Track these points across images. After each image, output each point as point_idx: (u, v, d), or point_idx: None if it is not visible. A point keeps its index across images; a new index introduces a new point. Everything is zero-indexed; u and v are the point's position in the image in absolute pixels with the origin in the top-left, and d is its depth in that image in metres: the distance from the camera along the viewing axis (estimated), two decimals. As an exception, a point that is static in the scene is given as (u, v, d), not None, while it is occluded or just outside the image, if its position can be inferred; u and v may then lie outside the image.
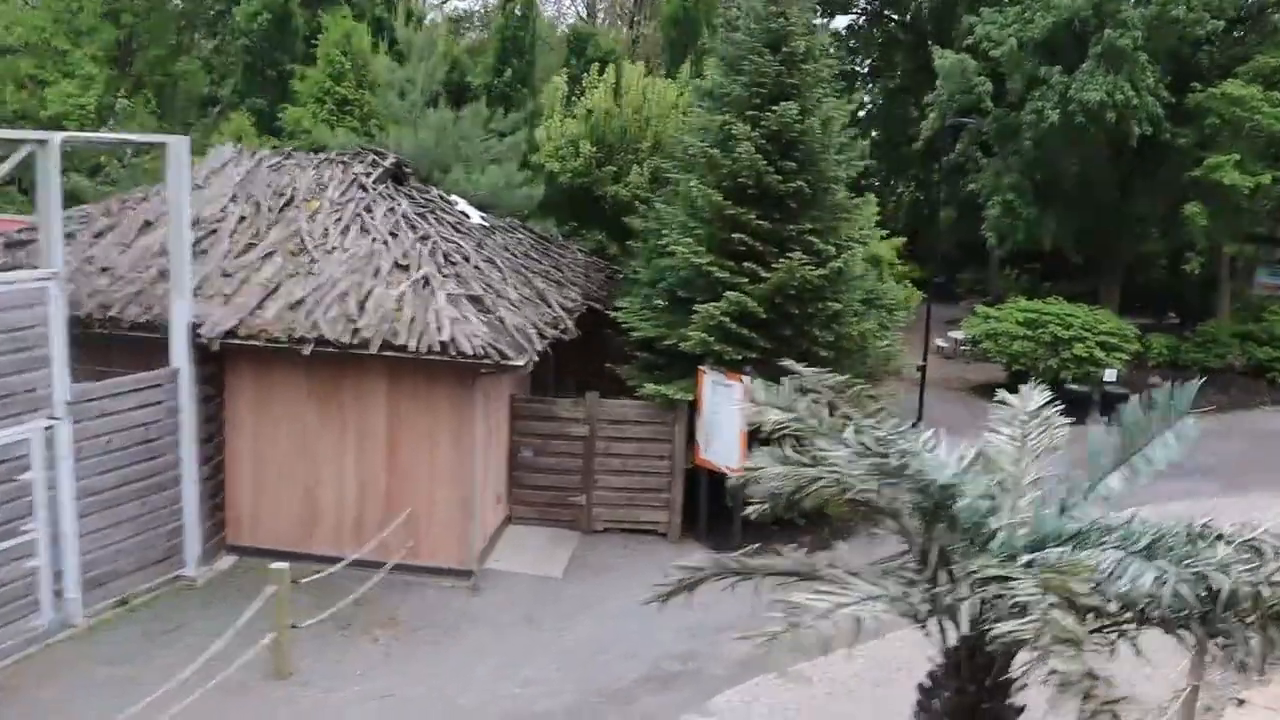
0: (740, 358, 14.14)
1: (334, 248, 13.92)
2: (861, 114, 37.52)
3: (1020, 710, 6.82)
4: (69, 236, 13.91)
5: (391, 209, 14.68)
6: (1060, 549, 6.25)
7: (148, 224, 14.41)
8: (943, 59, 26.86)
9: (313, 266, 13.58)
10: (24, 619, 11.00)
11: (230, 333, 12.71)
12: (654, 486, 15.24)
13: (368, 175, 15.37)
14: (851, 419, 6.93)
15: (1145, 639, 6.34)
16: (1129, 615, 6.16)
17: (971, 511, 6.46)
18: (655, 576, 6.87)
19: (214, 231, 14.25)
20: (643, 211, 17.57)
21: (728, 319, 14.24)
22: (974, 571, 5.86)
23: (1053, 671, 5.05)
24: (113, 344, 12.91)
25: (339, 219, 14.44)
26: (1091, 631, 6.23)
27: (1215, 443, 20.21)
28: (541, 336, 13.69)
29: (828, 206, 15.41)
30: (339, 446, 13.32)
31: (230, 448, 13.51)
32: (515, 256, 16.44)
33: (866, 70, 41.89)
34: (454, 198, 17.39)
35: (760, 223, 14.59)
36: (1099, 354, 23.42)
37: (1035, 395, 7.95)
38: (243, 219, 14.53)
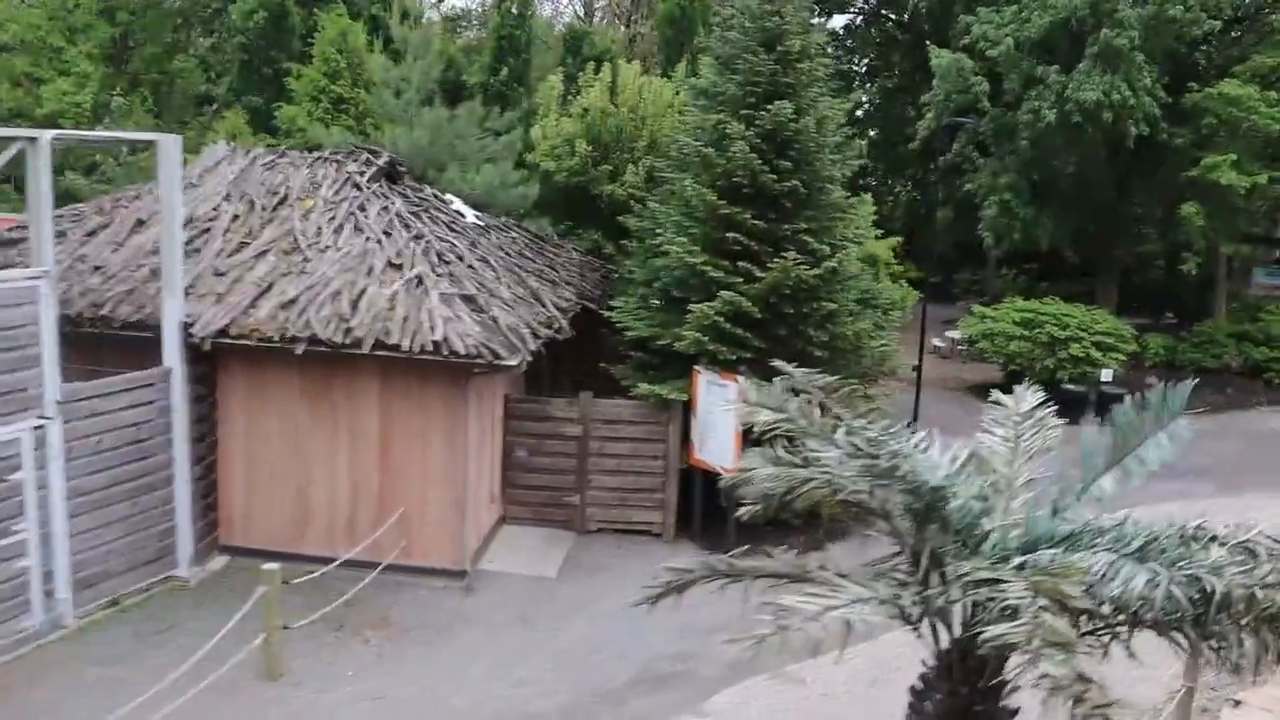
0: (735, 357, 14.10)
1: (327, 247, 13.86)
2: (859, 113, 37.48)
3: (1014, 713, 6.78)
4: (61, 235, 13.89)
5: (385, 208, 14.63)
6: (1053, 551, 6.20)
7: (140, 222, 14.35)
8: (939, 58, 26.83)
9: (306, 265, 13.53)
10: (14, 619, 10.95)
11: (222, 332, 12.66)
12: (648, 487, 15.20)
13: (362, 174, 15.31)
14: (842, 420, 6.87)
15: (1140, 640, 6.31)
16: (1122, 618, 6.12)
17: (963, 513, 6.42)
18: (649, 577, 6.83)
19: (207, 230, 14.19)
20: (638, 211, 17.54)
21: (722, 319, 14.19)
22: (965, 574, 5.81)
23: (1044, 675, 5.01)
24: (104, 343, 12.86)
25: (332, 218, 14.38)
26: (1084, 634, 6.21)
27: (1211, 443, 20.26)
28: (535, 336, 13.64)
29: (823, 206, 15.37)
30: (331, 446, 13.28)
31: (222, 448, 13.46)
32: (509, 256, 16.39)
33: (864, 70, 41.91)
34: (449, 197, 17.33)
35: (755, 222, 14.55)
36: (1095, 354, 23.40)
37: (1029, 396, 7.92)
38: (236, 218, 14.47)
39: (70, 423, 11.35)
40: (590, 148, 20.10)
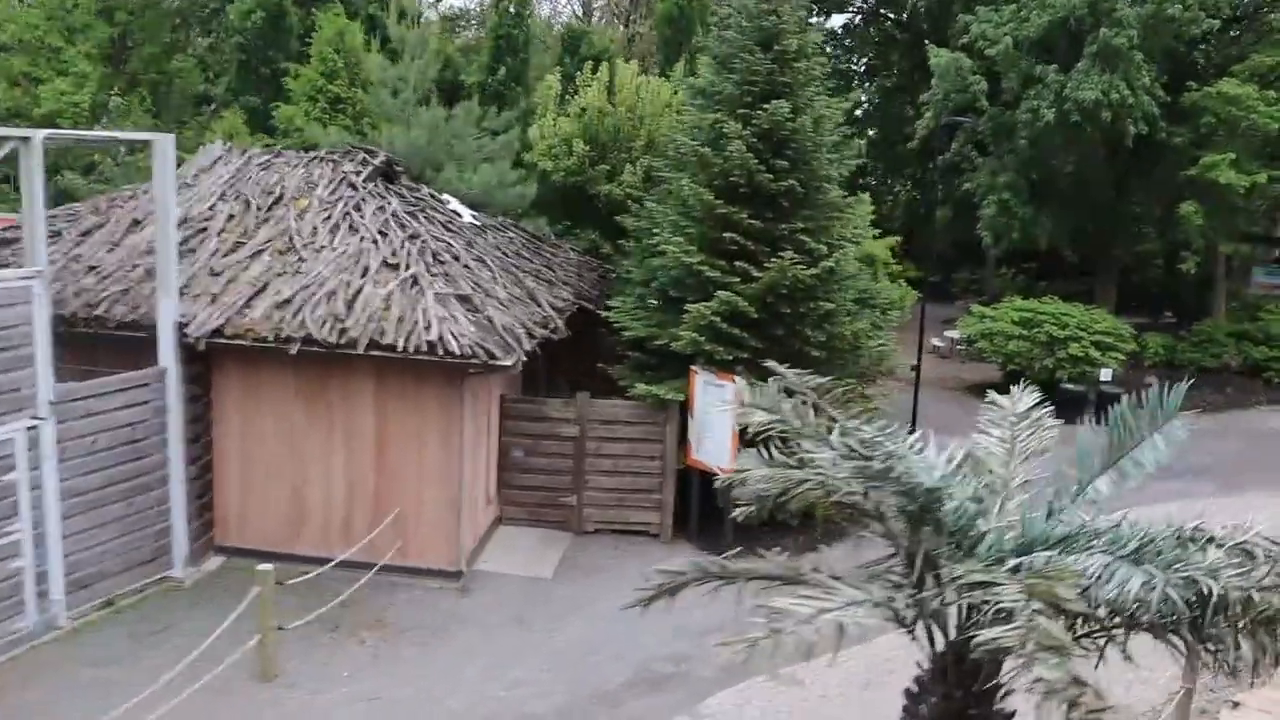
0: (731, 358, 14.05)
1: (322, 246, 13.82)
2: (858, 113, 37.43)
3: (1009, 716, 6.75)
4: (56, 235, 13.87)
5: (381, 207, 14.58)
6: (1048, 553, 6.16)
7: (136, 222, 14.31)
8: (938, 58, 26.78)
9: (301, 265, 13.49)
10: (8, 620, 10.91)
11: (217, 332, 12.63)
12: (645, 487, 15.16)
13: (357, 174, 15.26)
14: (836, 421, 6.83)
15: (1139, 642, 6.26)
16: (1118, 620, 6.09)
17: (958, 514, 6.38)
18: (646, 578, 6.78)
19: (202, 230, 14.16)
20: (635, 210, 17.49)
21: (719, 319, 14.15)
22: (959, 576, 5.77)
23: (1038, 679, 4.97)
24: (99, 343, 12.83)
25: (328, 217, 14.34)
26: (1080, 636, 6.17)
27: (1211, 442, 20.23)
28: (531, 336, 13.59)
29: (820, 205, 15.32)
30: (327, 446, 13.24)
31: (217, 448, 13.42)
32: (506, 255, 16.35)
33: (863, 69, 41.85)
34: (445, 196, 17.28)
35: (752, 222, 14.50)
36: (1094, 354, 23.35)
37: (1025, 396, 7.88)
38: (231, 217, 14.43)
39: (64, 423, 11.31)
40: (588, 147, 20.07)
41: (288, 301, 12.87)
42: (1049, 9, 24.87)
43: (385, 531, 12.91)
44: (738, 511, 7.00)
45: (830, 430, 6.84)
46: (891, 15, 39.93)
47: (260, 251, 13.77)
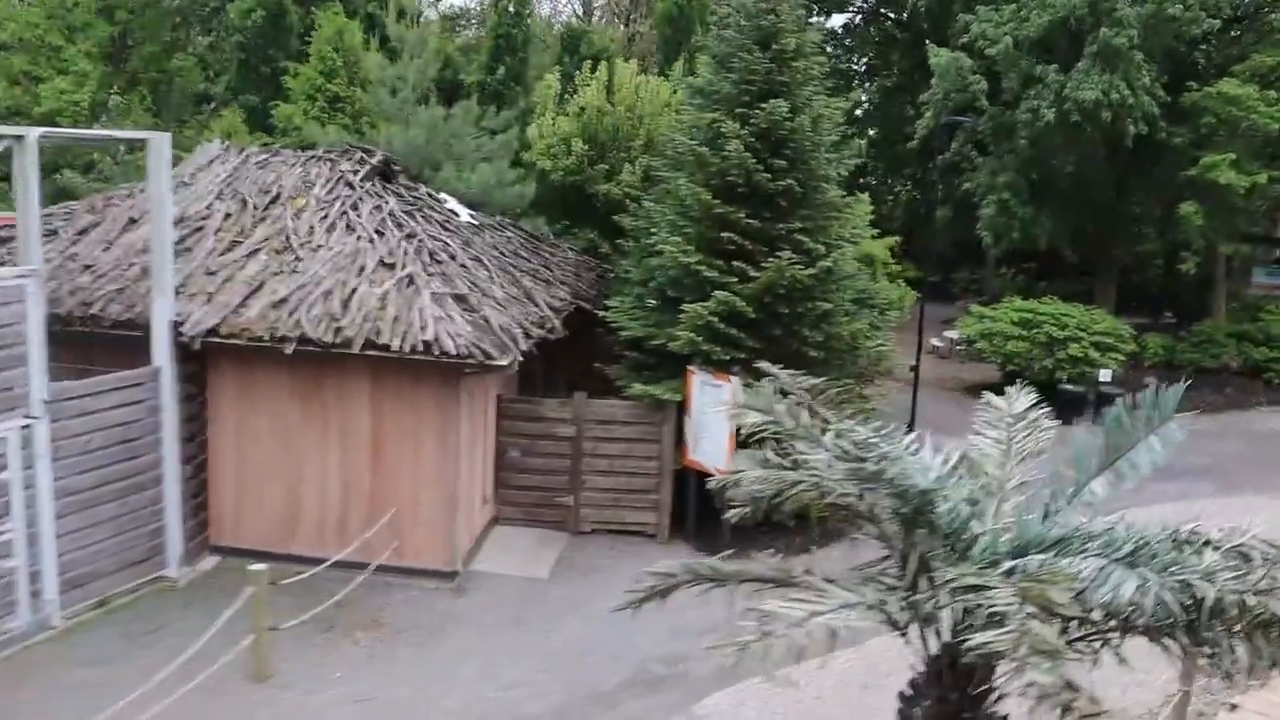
0: (729, 358, 14.00)
1: (319, 246, 13.78)
2: (858, 112, 37.40)
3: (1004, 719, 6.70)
4: (52, 233, 13.84)
5: (378, 207, 14.55)
6: (1042, 556, 6.12)
7: (132, 221, 14.28)
8: (938, 57, 26.73)
9: (297, 265, 13.44)
10: (1, 620, 10.87)
11: (212, 331, 12.58)
12: (642, 487, 15.12)
13: (355, 173, 15.22)
14: (830, 422, 6.79)
15: (1136, 644, 6.21)
16: (1113, 624, 6.04)
17: (953, 516, 6.33)
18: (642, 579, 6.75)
19: (199, 229, 14.12)
20: (633, 210, 17.45)
21: (716, 319, 14.11)
22: (952, 579, 5.72)
23: (1030, 683, 4.92)
24: (94, 342, 12.81)
25: (325, 217, 14.29)
26: (1075, 640, 6.12)
27: (1211, 443, 20.20)
28: (527, 336, 13.56)
29: (818, 205, 15.28)
30: (322, 446, 13.20)
31: (213, 447, 13.38)
32: (504, 255, 16.31)
33: (863, 69, 41.80)
34: (443, 196, 17.25)
35: (750, 221, 14.46)
36: (1094, 354, 23.30)
37: (1022, 397, 7.83)
38: (228, 216, 14.39)
39: (58, 422, 11.27)
40: (586, 147, 20.04)
41: (283, 301, 12.83)
42: (1049, 9, 24.81)
43: (381, 531, 12.86)
44: (731, 513, 6.95)
45: (825, 431, 6.80)
46: (892, 15, 39.88)
47: (256, 251, 13.73)
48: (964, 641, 5.65)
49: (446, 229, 15.25)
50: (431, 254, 13.86)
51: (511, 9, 26.33)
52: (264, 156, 15.88)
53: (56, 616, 11.44)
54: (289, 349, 12.45)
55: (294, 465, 13.28)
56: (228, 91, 29.78)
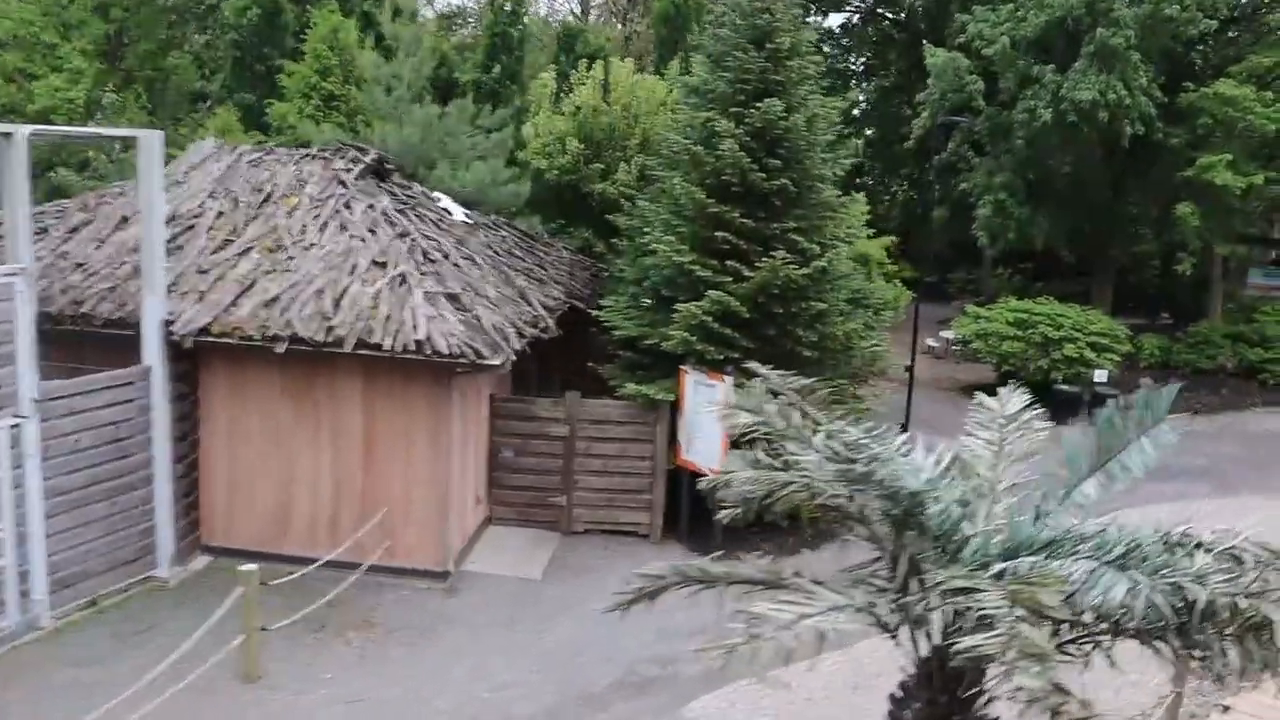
0: (723, 358, 13.96)
1: (311, 245, 13.72)
2: (855, 112, 37.35)
3: (994, 721, 6.66)
4: (44, 231, 13.78)
5: (371, 206, 14.49)
6: (1033, 558, 6.07)
7: (124, 219, 14.21)
8: (934, 57, 26.70)
9: (289, 263, 13.39)
10: (-10, 620, 10.85)
11: (204, 330, 12.54)
12: (635, 487, 15.08)
13: (348, 171, 15.16)
14: (821, 423, 6.74)
15: (1129, 646, 6.17)
16: (1104, 626, 5.99)
17: (943, 518, 6.29)
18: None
19: (191, 227, 14.06)
20: (628, 209, 17.41)
21: (710, 318, 14.07)
22: (941, 582, 5.68)
23: (1019, 687, 4.88)
24: (85, 341, 12.76)
25: (317, 215, 14.24)
26: (1065, 642, 6.08)
27: (1206, 444, 20.19)
28: (520, 335, 13.51)
29: (813, 205, 15.24)
30: (314, 445, 13.15)
31: (204, 447, 13.33)
32: (497, 254, 16.26)
33: (860, 68, 41.76)
34: (437, 194, 17.19)
35: (744, 221, 14.42)
36: (1090, 355, 23.28)
37: (1014, 398, 7.78)
38: (220, 215, 14.33)
39: (48, 421, 11.22)
40: (582, 146, 19.99)
41: (275, 300, 12.78)
42: (1046, 9, 24.79)
43: (372, 531, 12.82)
44: (722, 514, 6.90)
45: (815, 432, 6.75)
46: (889, 15, 39.85)
47: (249, 249, 13.68)
48: (954, 644, 5.62)
49: (440, 228, 15.20)
50: (424, 253, 13.81)
51: (508, 7, 26.24)
52: (257, 155, 15.81)
53: (46, 616, 11.39)
54: (281, 348, 12.40)
55: (286, 465, 13.23)
56: (223, 89, 29.69)
